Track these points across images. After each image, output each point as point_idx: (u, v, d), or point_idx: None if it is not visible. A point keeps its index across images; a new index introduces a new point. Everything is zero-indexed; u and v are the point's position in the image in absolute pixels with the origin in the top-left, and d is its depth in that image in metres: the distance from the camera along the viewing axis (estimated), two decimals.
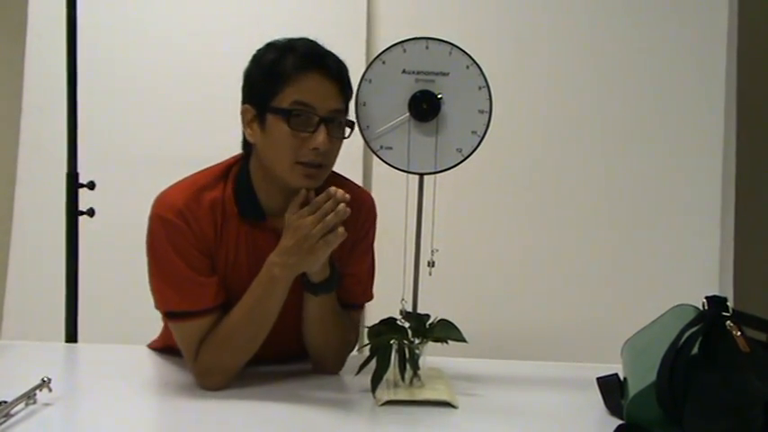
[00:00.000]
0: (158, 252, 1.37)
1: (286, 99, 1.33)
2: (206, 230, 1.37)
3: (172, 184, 1.41)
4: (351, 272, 1.48)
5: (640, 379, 1.24)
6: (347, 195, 1.32)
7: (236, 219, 1.40)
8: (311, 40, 1.39)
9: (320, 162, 1.35)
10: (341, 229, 1.31)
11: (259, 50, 1.39)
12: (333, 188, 1.33)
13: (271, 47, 1.38)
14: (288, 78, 1.33)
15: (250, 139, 1.40)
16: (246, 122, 1.39)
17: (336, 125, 1.36)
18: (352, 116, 1.40)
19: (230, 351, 1.36)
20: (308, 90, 1.33)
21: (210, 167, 1.44)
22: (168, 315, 1.40)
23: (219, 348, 1.36)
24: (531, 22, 2.58)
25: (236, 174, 1.42)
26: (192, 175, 1.43)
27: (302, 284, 1.40)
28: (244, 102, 1.40)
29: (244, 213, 1.40)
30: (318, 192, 1.42)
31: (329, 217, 1.30)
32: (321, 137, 1.33)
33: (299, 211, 1.33)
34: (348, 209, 1.31)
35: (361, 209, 1.48)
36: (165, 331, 1.56)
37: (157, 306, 1.42)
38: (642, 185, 2.56)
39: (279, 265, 1.33)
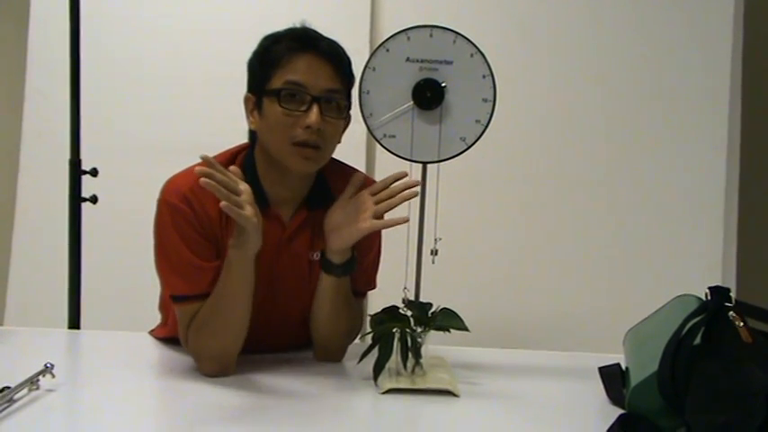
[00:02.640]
0: (163, 236, 1.39)
1: (278, 80, 1.35)
2: (211, 215, 1.38)
3: (180, 171, 1.42)
4: (357, 260, 1.48)
5: (642, 369, 1.24)
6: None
7: None
8: (307, 27, 1.40)
9: (316, 143, 1.35)
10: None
11: (259, 41, 1.41)
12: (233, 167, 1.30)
13: (269, 36, 1.40)
14: (279, 61, 1.35)
15: (252, 126, 1.42)
16: (249, 111, 1.42)
17: (332, 106, 1.37)
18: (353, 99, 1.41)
19: (209, 335, 1.36)
20: (298, 70, 1.34)
21: (219, 154, 1.45)
22: (172, 298, 1.41)
23: (200, 333, 1.37)
24: (536, 11, 2.56)
25: (242, 161, 1.44)
26: (199, 162, 1.43)
27: (321, 266, 1.42)
28: (247, 92, 1.42)
29: None
30: (325, 179, 1.43)
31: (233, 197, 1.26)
32: (314, 115, 1.33)
33: None
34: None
35: None
36: (167, 321, 1.57)
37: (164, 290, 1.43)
38: (646, 176, 2.56)
39: (230, 246, 1.33)
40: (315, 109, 1.34)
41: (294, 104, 1.34)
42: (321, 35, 1.39)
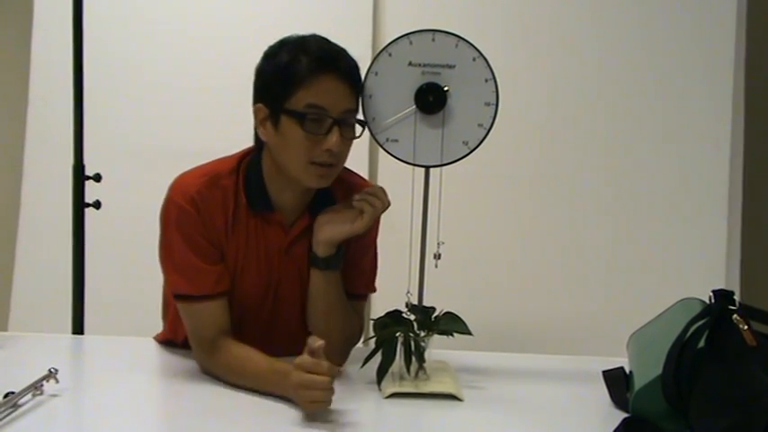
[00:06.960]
0: (167, 235, 1.41)
1: (300, 102, 1.33)
2: (216, 219, 1.39)
3: (190, 169, 1.43)
4: (354, 262, 1.49)
5: (646, 372, 1.24)
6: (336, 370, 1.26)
7: (245, 209, 1.42)
8: (323, 39, 1.38)
9: (332, 162, 1.36)
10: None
11: (272, 48, 1.38)
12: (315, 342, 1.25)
13: (284, 46, 1.37)
14: (302, 81, 1.33)
15: (263, 137, 1.41)
16: (259, 121, 1.40)
17: (348, 125, 1.37)
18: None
19: (218, 372, 1.39)
20: (321, 93, 1.33)
21: (227, 156, 1.46)
22: (175, 296, 1.43)
23: (209, 362, 1.40)
24: (538, 14, 2.57)
25: (248, 165, 1.44)
26: (209, 162, 1.45)
27: (309, 259, 1.43)
28: (256, 100, 1.39)
29: (252, 204, 1.42)
30: (329, 190, 1.43)
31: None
32: (334, 138, 1.33)
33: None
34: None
35: None
36: (170, 324, 1.57)
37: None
38: (649, 179, 2.55)
39: (277, 375, 1.29)
40: (335, 131, 1.33)
41: (315, 127, 1.33)
42: (339, 50, 1.37)
